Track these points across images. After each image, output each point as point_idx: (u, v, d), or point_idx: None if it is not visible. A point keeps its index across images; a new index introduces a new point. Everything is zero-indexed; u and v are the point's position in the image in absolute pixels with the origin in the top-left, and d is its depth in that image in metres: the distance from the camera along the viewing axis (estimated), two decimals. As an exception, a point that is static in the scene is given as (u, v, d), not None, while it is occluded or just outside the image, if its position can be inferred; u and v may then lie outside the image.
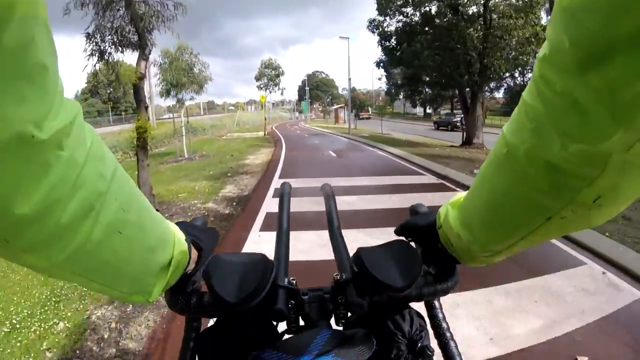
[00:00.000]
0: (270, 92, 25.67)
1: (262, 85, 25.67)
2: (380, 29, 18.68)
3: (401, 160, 12.33)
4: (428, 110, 70.85)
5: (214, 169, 11.18)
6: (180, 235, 0.50)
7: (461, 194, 0.55)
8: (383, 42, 19.03)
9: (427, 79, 19.38)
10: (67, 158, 0.27)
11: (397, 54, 18.61)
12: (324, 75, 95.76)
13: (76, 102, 0.30)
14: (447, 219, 0.54)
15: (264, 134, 25.70)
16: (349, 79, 25.67)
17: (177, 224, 0.55)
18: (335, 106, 59.06)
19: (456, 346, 0.59)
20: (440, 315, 0.62)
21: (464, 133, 17.35)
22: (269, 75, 25.16)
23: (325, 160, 12.69)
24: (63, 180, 0.27)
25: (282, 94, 26.55)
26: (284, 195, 0.79)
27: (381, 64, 20.16)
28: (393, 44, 18.73)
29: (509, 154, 0.37)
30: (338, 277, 0.56)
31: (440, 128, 31.08)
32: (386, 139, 20.56)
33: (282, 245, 0.65)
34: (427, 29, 16.48)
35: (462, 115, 34.32)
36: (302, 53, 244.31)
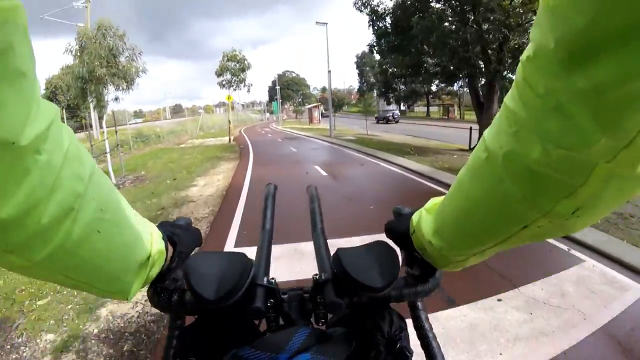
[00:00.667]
0: (235, 89, 20.92)
1: (224, 82, 20.94)
2: (370, 7, 14.26)
3: (430, 182, 7.90)
4: (402, 108, 68.60)
5: (131, 210, 6.38)
6: (157, 234, 0.50)
7: (437, 199, 0.52)
8: (375, 22, 14.59)
9: (433, 65, 14.90)
10: (44, 162, 0.27)
11: (394, 36, 14.17)
12: (294, 75, 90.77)
13: (53, 105, 0.30)
14: (420, 225, 0.52)
15: (229, 140, 20.86)
16: (329, 72, 21.11)
17: (158, 224, 0.55)
18: (309, 105, 54.29)
19: (438, 347, 0.58)
20: (423, 316, 0.61)
21: (471, 134, 13.26)
22: (232, 69, 20.54)
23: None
24: (41, 184, 0.27)
25: (248, 90, 21.92)
26: (268, 196, 0.78)
27: (375, 48, 15.64)
28: (387, 25, 14.30)
29: (488, 160, 0.36)
30: (318, 277, 0.55)
31: (380, 122, 37.38)
32: (380, 143, 16.11)
33: (264, 245, 0.64)
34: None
35: (394, 111, 31.89)
36: (272, 53, 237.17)
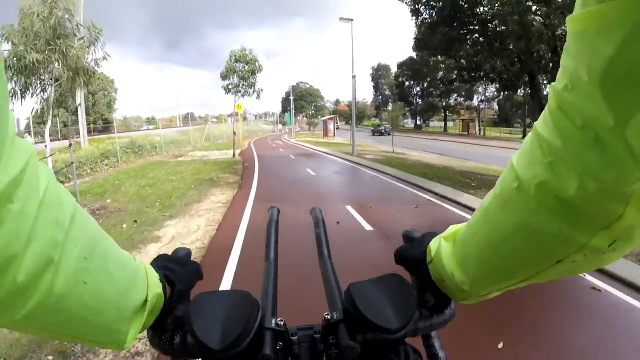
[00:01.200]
0: (243, 95, 17.47)
1: (230, 87, 17.30)
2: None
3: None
4: (418, 122, 65.12)
5: None
6: (154, 276, 0.45)
7: (456, 227, 0.48)
8: (420, 11, 11.14)
9: (491, 69, 11.32)
10: (18, 211, 0.24)
11: (447, 28, 10.66)
12: (308, 86, 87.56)
13: (28, 144, 0.26)
14: (440, 254, 0.48)
15: (234, 155, 17.35)
16: (354, 77, 17.20)
17: (154, 260, 0.52)
18: (324, 117, 50.72)
19: None
20: (437, 344, 0.56)
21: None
22: (241, 72, 16.94)
23: (359, 257, 4.31)
24: (15, 237, 0.24)
25: (258, 97, 17.91)
26: (271, 222, 0.72)
27: (418, 43, 12.12)
28: (436, 10, 10.82)
29: (519, 190, 0.33)
30: (329, 317, 0.52)
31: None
32: (420, 167, 12.44)
33: (270, 279, 0.59)
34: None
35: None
36: (285, 64, 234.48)
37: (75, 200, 0.31)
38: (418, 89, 59.59)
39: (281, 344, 0.50)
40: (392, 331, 0.44)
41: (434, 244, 0.50)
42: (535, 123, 0.31)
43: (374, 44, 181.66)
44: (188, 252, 0.59)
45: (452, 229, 0.49)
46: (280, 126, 72.14)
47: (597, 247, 0.30)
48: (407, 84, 59.63)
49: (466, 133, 46.64)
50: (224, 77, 16.92)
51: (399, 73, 59.53)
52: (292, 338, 0.51)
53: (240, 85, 17.11)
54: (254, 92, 17.47)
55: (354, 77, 17.35)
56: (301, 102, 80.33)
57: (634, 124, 0.22)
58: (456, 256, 0.45)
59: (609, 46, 0.21)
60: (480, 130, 47.33)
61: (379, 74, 74.20)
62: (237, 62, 16.72)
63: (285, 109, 78.62)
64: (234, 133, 17.56)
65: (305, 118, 77.30)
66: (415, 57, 58.27)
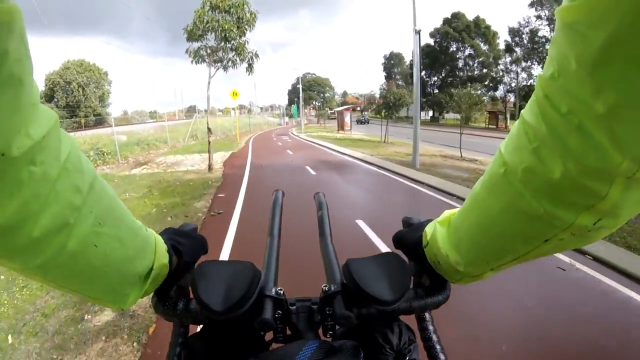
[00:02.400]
0: (225, 66, 9.65)
1: (204, 51, 9.45)
2: None
3: None
4: (435, 114, 57.87)
5: None
6: (161, 246, 0.46)
7: (450, 212, 0.49)
8: None
9: None
10: (40, 174, 0.25)
11: None
12: (316, 76, 79.34)
13: (52, 112, 0.27)
14: (435, 237, 0.48)
15: (209, 167, 9.90)
16: (418, 31, 9.38)
17: (162, 231, 0.52)
18: (340, 108, 42.87)
19: (446, 359, 0.54)
20: (431, 328, 0.56)
21: None
22: (218, 27, 8.88)
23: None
24: (35, 196, 0.25)
25: (249, 67, 9.23)
26: (275, 202, 0.73)
27: None
28: None
29: (507, 174, 0.33)
30: (327, 288, 0.52)
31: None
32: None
33: (273, 253, 0.61)
34: None
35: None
36: (292, 56, 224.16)
37: (94, 168, 0.31)
38: (435, 78, 51.99)
39: (280, 312, 0.50)
40: (386, 302, 0.44)
41: (429, 228, 0.50)
42: (522, 111, 0.31)
43: (385, 32, 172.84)
44: (194, 227, 0.58)
45: (446, 213, 0.49)
46: (286, 119, 64.63)
47: (583, 225, 0.30)
48: (422, 72, 52.02)
49: (494, 126, 39.22)
50: (192, 35, 9.29)
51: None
52: (290, 308, 0.51)
53: (220, 49, 9.52)
54: (242, 59, 9.66)
55: (418, 31, 9.47)
56: (309, 92, 72.17)
57: (620, 109, 0.22)
58: (450, 239, 0.45)
59: (599, 36, 0.21)
60: (506, 122, 39.98)
61: (391, 62, 66.12)
62: (212, 11, 9.13)
63: (291, 100, 70.88)
64: (208, 129, 10.07)
65: (313, 110, 69.68)
66: (432, 43, 52.15)
